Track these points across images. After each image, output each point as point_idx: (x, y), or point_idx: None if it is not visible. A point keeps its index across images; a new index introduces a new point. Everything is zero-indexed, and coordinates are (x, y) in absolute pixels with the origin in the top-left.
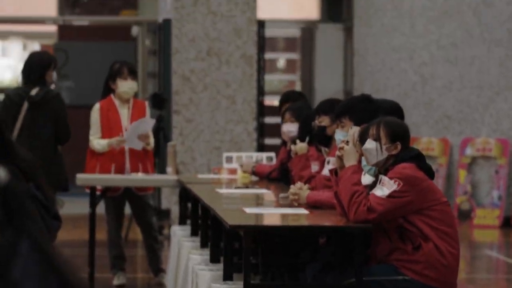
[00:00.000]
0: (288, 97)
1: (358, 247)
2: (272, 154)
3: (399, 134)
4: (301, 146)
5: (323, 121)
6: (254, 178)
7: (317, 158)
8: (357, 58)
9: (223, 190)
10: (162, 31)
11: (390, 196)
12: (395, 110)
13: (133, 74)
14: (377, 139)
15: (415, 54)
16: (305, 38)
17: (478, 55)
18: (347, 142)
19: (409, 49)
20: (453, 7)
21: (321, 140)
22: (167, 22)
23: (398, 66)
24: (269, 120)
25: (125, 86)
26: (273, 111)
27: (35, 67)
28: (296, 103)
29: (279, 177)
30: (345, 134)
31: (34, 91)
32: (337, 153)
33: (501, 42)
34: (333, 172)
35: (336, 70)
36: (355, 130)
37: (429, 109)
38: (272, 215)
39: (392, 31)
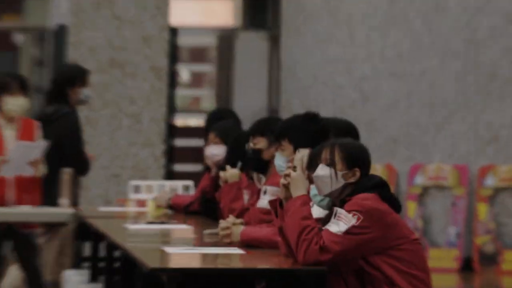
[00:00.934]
0: (217, 115)
1: None
2: (190, 183)
3: (358, 159)
4: (232, 173)
5: (259, 143)
6: (168, 211)
7: (248, 187)
8: (285, 71)
9: (133, 226)
10: (54, 38)
11: (348, 232)
12: (348, 130)
13: (24, 89)
14: (331, 164)
15: (354, 66)
16: (223, 48)
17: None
18: (294, 168)
19: (347, 61)
20: (399, 14)
21: (257, 166)
22: (61, 28)
23: (333, 81)
24: (180, 142)
25: (14, 103)
26: (184, 132)
27: (55, 82)
28: (222, 122)
29: (200, 210)
30: (286, 159)
31: (49, 109)
32: (282, 181)
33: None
34: (278, 203)
35: (259, 84)
36: (303, 154)
37: (371, 131)
38: (200, 256)
39: (327, 40)
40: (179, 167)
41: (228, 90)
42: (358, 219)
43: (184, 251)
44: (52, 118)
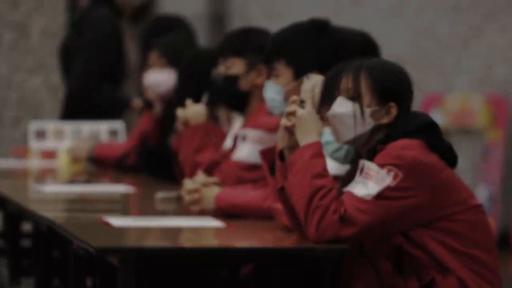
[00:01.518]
0: (159, 26)
1: (324, 285)
2: (118, 125)
3: (394, 89)
4: (196, 111)
5: (233, 67)
6: (88, 166)
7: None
8: None
9: (47, 187)
10: None
11: (380, 196)
12: (366, 46)
13: None
14: (355, 97)
15: None
16: None
17: None
18: (302, 103)
19: None
20: None
21: (231, 100)
22: None
23: None
24: None
25: None
26: None
27: None
28: (167, 36)
29: (139, 165)
30: (281, 89)
31: None
32: (284, 121)
33: None
34: (278, 155)
35: None
36: (315, 82)
37: None
38: (160, 230)
39: None
40: None
41: None
42: (395, 176)
43: (137, 224)
44: None
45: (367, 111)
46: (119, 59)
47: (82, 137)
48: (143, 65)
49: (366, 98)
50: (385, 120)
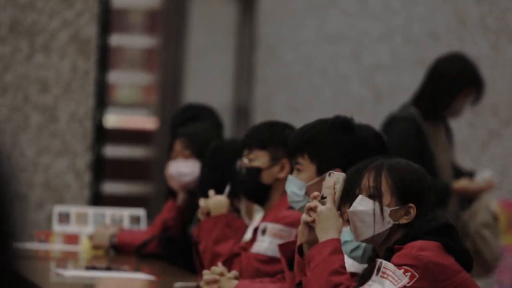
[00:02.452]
0: (186, 115)
1: None
2: (141, 212)
3: (414, 190)
4: (217, 202)
5: (257, 159)
6: (110, 251)
7: (235, 223)
8: (261, 50)
9: (70, 272)
10: None
11: None
12: (376, 143)
13: None
14: (375, 195)
15: (363, 48)
16: (170, 12)
17: None
18: (323, 199)
19: (353, 40)
20: None
21: (253, 193)
22: None
23: (334, 68)
24: (113, 151)
25: None
26: (118, 136)
27: None
28: (193, 125)
29: (159, 253)
30: (303, 184)
31: None
32: (304, 217)
33: None
34: (297, 249)
35: (223, 68)
36: (338, 179)
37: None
38: None
39: (325, 6)
40: (111, 188)
41: (176, 74)
42: (411, 277)
43: None
44: None
45: (387, 210)
46: None
47: (105, 223)
48: (168, 153)
49: (386, 197)
50: (404, 221)
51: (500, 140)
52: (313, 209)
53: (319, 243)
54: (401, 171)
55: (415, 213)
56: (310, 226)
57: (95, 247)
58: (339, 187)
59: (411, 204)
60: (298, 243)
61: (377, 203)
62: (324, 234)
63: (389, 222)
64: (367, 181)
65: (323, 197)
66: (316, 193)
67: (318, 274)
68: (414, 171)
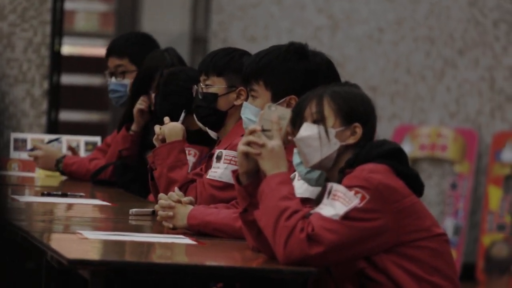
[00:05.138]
0: (126, 45)
1: None
2: (97, 138)
3: (357, 110)
4: (172, 128)
5: (213, 85)
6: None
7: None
8: None
9: (25, 198)
10: None
11: (347, 217)
12: (329, 70)
13: None
14: (319, 120)
15: None
16: None
17: None
18: (264, 131)
19: None
20: None
21: (208, 118)
22: None
23: None
24: (70, 79)
25: None
26: (74, 64)
27: None
28: (139, 48)
29: (115, 179)
30: (258, 110)
31: None
32: (243, 148)
33: None
34: (235, 177)
35: None
36: (282, 114)
37: (341, 72)
38: (132, 245)
39: None
40: (67, 116)
41: (132, 4)
42: (362, 198)
43: (110, 237)
44: None
45: (332, 131)
46: None
47: (49, 149)
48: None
49: (330, 119)
50: (351, 141)
51: (456, 70)
52: (257, 143)
53: (268, 176)
54: (343, 93)
55: (361, 133)
56: (248, 156)
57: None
58: (285, 123)
59: (357, 124)
60: (238, 172)
61: (321, 126)
62: (273, 169)
63: (335, 143)
64: (310, 108)
65: (264, 130)
66: (253, 127)
67: (267, 203)
68: (356, 93)
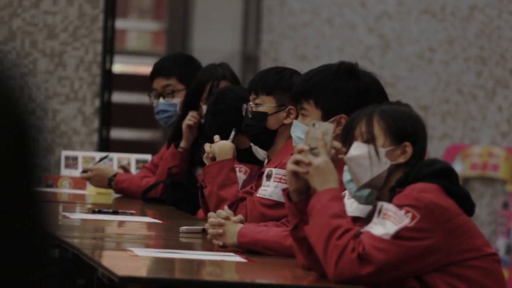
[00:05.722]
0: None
1: None
2: (148, 156)
3: (407, 129)
4: (222, 146)
5: (263, 104)
6: (113, 194)
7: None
8: None
9: (77, 216)
10: None
11: (398, 236)
12: (378, 90)
13: None
14: (369, 139)
15: None
16: None
17: None
18: (312, 150)
19: None
20: None
21: (258, 137)
22: None
23: (342, 17)
24: (120, 97)
25: None
26: (124, 82)
27: None
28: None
29: (165, 197)
30: (306, 129)
31: None
32: (292, 167)
33: None
34: (286, 195)
35: (231, 16)
36: (325, 129)
37: (390, 92)
38: (182, 262)
39: None
40: (118, 134)
41: (184, 23)
42: (413, 217)
43: (160, 255)
44: None
45: (382, 151)
46: None
47: (102, 166)
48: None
49: (380, 139)
50: (401, 160)
51: (508, 90)
52: (302, 162)
53: (318, 192)
54: (391, 112)
55: (411, 151)
56: (297, 175)
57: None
58: (329, 138)
59: (406, 143)
60: (288, 190)
61: (371, 146)
62: (322, 185)
63: (386, 163)
64: (360, 128)
65: (312, 149)
66: (301, 146)
67: (318, 219)
68: (405, 111)
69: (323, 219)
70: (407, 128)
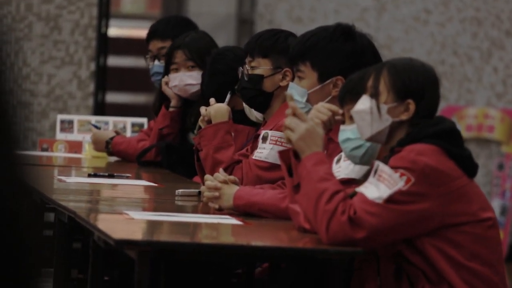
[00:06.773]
0: (168, 28)
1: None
2: (144, 120)
3: (413, 86)
4: (218, 109)
5: (259, 66)
6: (108, 158)
7: (237, 129)
8: None
9: (72, 179)
10: None
11: (391, 200)
12: (373, 52)
13: None
14: (374, 94)
15: None
16: None
17: None
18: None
19: None
20: None
21: (254, 100)
22: None
23: None
24: (116, 61)
25: None
26: (120, 46)
27: None
28: (190, 35)
29: (160, 160)
30: (305, 91)
31: None
32: (289, 121)
33: None
34: (292, 154)
35: None
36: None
37: (385, 54)
38: (179, 225)
39: None
40: (113, 97)
41: None
42: (407, 181)
43: (156, 218)
44: None
45: (384, 107)
46: None
47: (99, 131)
48: (168, 65)
49: (383, 95)
50: (403, 117)
51: (503, 51)
52: (289, 128)
53: (302, 159)
54: (400, 68)
55: (414, 109)
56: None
57: (95, 153)
58: (324, 110)
59: (410, 100)
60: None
61: (374, 101)
62: (306, 149)
63: (387, 120)
64: (370, 81)
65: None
66: (292, 105)
67: (305, 186)
68: (416, 68)
69: (309, 185)
70: (412, 85)
